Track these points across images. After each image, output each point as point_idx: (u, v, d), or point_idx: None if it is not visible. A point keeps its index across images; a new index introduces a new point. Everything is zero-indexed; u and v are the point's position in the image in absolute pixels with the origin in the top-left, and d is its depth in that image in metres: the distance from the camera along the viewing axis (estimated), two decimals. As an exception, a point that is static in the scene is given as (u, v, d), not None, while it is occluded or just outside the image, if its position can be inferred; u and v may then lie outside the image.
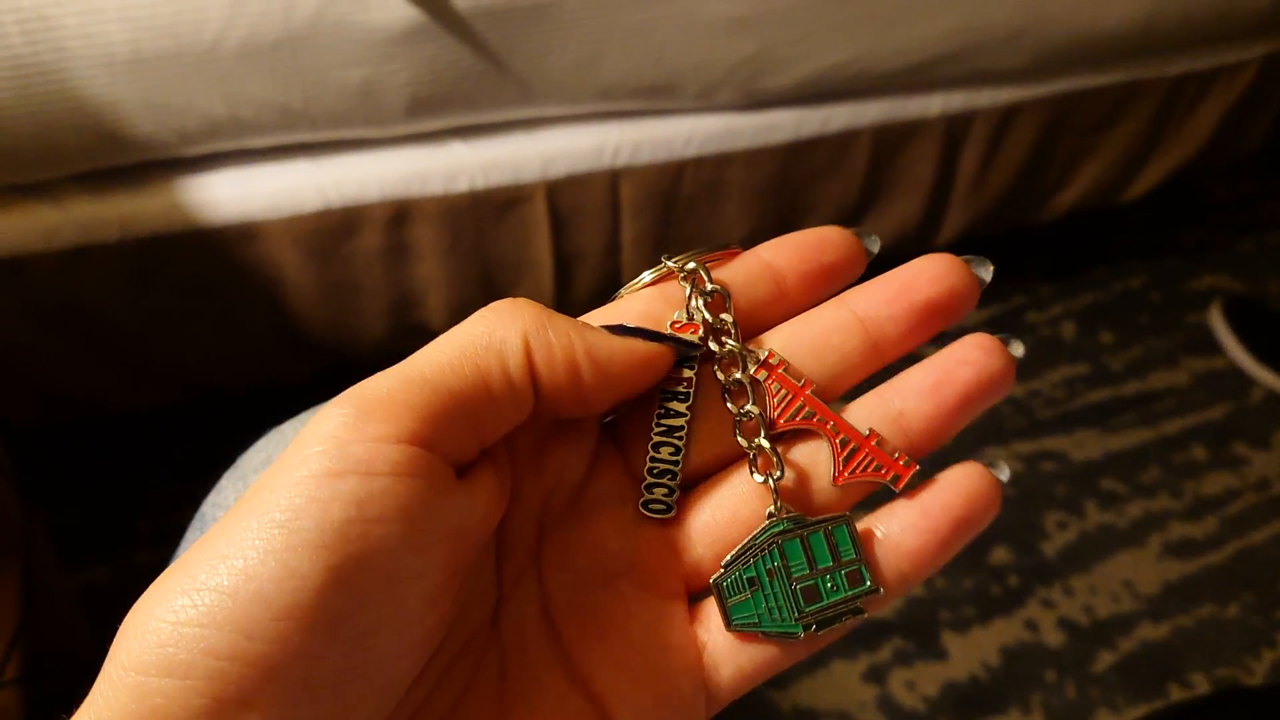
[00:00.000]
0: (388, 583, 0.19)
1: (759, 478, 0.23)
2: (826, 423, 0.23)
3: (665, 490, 0.24)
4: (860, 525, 0.24)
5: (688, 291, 0.24)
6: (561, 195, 0.90)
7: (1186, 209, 1.45)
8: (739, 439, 0.24)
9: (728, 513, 0.24)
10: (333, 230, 0.84)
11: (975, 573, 1.02)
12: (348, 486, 0.18)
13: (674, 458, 0.24)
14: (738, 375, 0.24)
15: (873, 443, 0.23)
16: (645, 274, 0.24)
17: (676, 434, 0.24)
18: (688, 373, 0.24)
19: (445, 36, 0.76)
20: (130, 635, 0.18)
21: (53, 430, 0.96)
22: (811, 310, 0.24)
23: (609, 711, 0.22)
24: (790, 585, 0.23)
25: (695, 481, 0.24)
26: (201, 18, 0.70)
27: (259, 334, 0.89)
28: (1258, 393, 1.21)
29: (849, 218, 1.05)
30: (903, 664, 0.95)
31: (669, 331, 0.23)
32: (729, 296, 0.24)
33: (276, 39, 0.72)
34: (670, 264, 0.24)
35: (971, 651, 0.96)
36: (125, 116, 0.73)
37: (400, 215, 0.85)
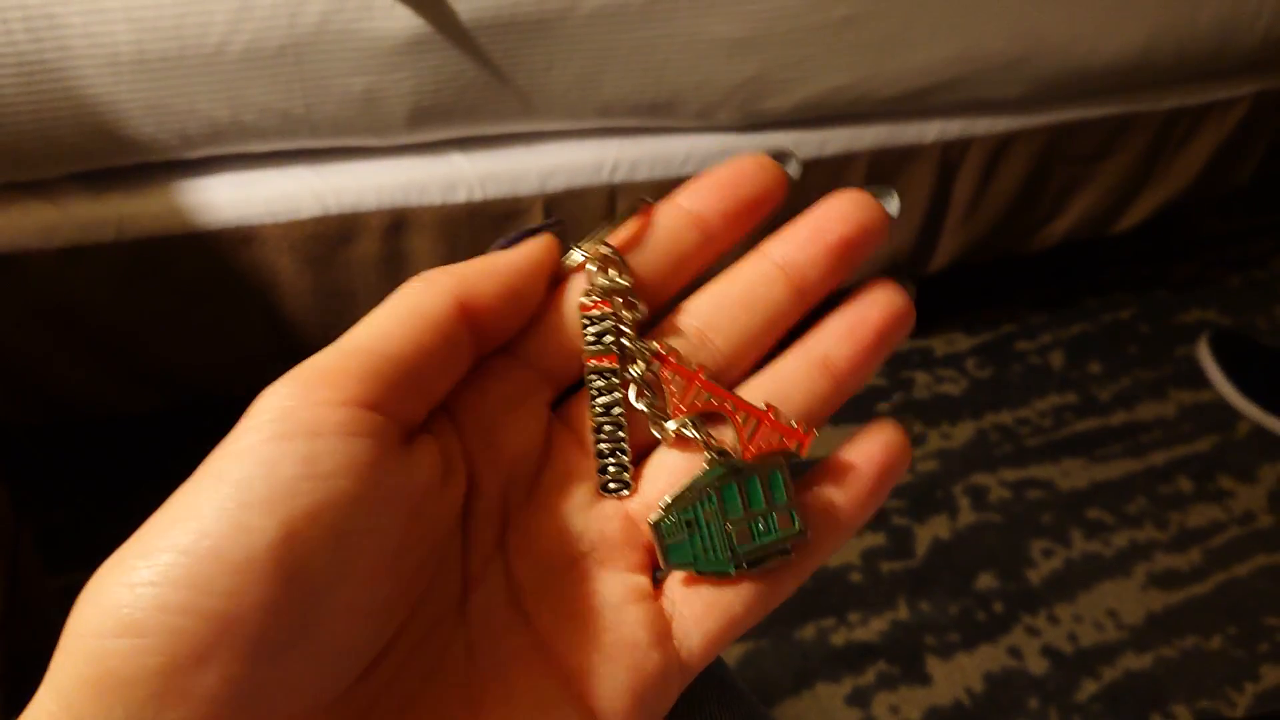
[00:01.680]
0: (338, 538, 0.19)
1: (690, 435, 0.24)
2: (725, 403, 0.24)
3: (618, 467, 0.24)
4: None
5: (596, 277, 0.24)
6: (559, 209, 0.90)
7: (1176, 242, 1.46)
8: (657, 431, 0.24)
9: (681, 480, 0.24)
10: (330, 237, 0.84)
11: (961, 599, 1.02)
12: (296, 447, 0.19)
13: (618, 434, 0.24)
14: (636, 370, 0.24)
15: (771, 415, 0.24)
16: (574, 253, 0.25)
17: (614, 411, 0.24)
18: (604, 349, 0.24)
19: (449, 48, 0.76)
20: (85, 604, 0.18)
21: (42, 431, 0.96)
22: (734, 266, 0.25)
23: (585, 690, 0.22)
24: (724, 526, 0.23)
25: (648, 451, 0.25)
26: (207, 21, 0.70)
27: (253, 339, 0.89)
28: (1244, 426, 1.22)
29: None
30: (887, 688, 0.95)
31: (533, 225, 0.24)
32: (629, 293, 0.24)
33: (281, 44, 0.72)
34: (579, 253, 0.24)
35: (956, 677, 0.96)
36: (127, 117, 0.73)
37: (397, 224, 0.85)
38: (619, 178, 0.90)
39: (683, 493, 0.23)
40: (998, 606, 1.02)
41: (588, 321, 0.24)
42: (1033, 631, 1.00)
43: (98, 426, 0.99)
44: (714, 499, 0.23)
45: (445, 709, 0.22)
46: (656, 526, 0.23)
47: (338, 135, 0.81)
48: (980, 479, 1.13)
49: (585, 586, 0.23)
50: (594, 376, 0.24)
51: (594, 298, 0.24)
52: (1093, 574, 1.06)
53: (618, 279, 0.24)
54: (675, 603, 0.24)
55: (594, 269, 0.24)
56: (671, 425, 0.24)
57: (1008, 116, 1.02)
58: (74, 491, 1.00)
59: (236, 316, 0.87)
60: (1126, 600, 1.03)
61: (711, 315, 0.25)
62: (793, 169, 0.25)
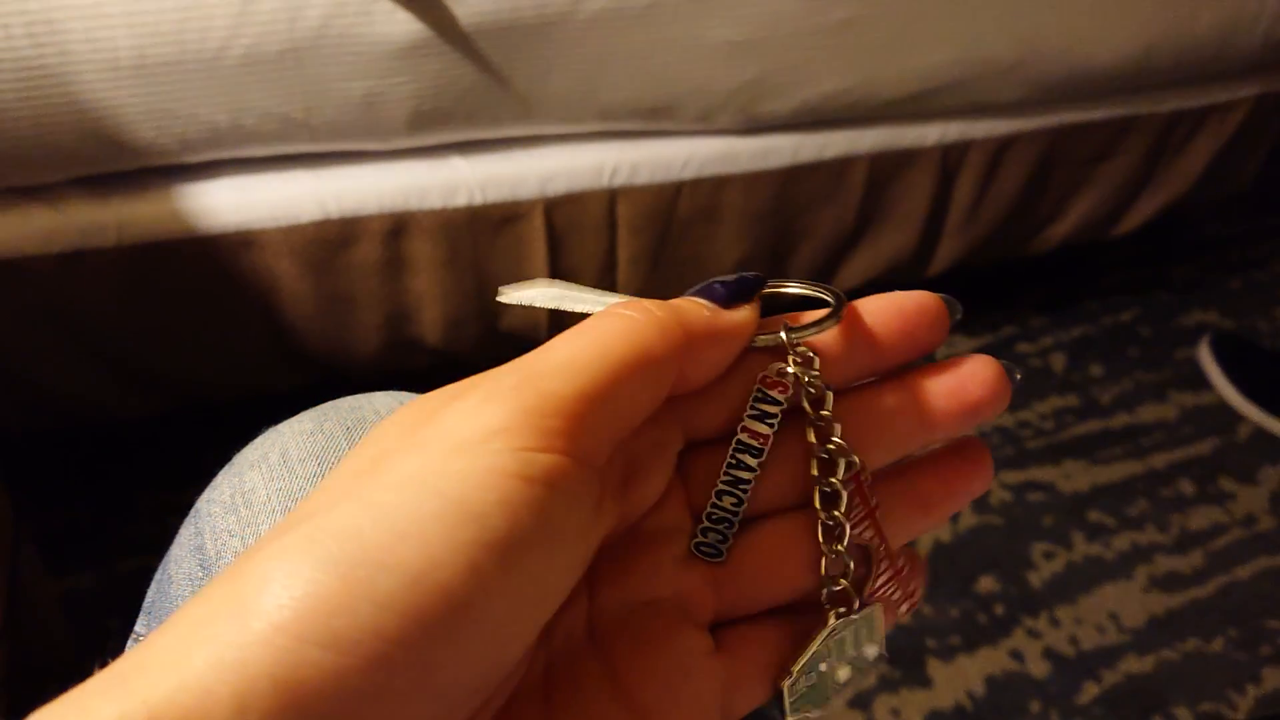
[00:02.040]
0: (541, 598, 0.18)
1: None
2: (880, 544, 0.25)
3: (719, 537, 0.25)
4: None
5: (791, 369, 0.25)
6: (559, 213, 0.90)
7: (1177, 245, 1.46)
8: (838, 585, 0.25)
9: (775, 561, 0.25)
10: (330, 241, 0.84)
11: (962, 601, 1.02)
12: (538, 496, 0.18)
13: (735, 508, 0.24)
14: (834, 480, 0.25)
15: (903, 568, 0.25)
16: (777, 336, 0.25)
17: (742, 486, 0.24)
18: (765, 429, 0.24)
19: (449, 51, 0.76)
20: (284, 589, 0.16)
21: (42, 435, 0.96)
22: (884, 386, 0.26)
23: None
24: (826, 665, 0.24)
25: (747, 521, 0.25)
26: (207, 25, 0.70)
27: (253, 343, 0.89)
28: (1245, 429, 1.22)
29: (844, 244, 1.05)
30: (888, 691, 0.94)
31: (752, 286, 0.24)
32: (828, 395, 0.25)
33: (281, 49, 0.72)
34: (784, 335, 0.24)
35: (957, 680, 0.96)
36: (127, 122, 0.73)
37: (398, 228, 0.85)
38: (619, 181, 0.91)
39: (813, 654, 0.24)
40: (999, 609, 1.02)
41: (760, 395, 0.24)
42: (1034, 634, 1.00)
43: (98, 431, 0.99)
44: (831, 650, 0.24)
45: None
46: (786, 689, 0.24)
47: (338, 139, 0.81)
48: (981, 482, 1.13)
49: (660, 628, 0.24)
50: (740, 447, 0.24)
51: (780, 377, 0.24)
52: (1094, 576, 1.05)
53: (817, 381, 0.24)
54: (731, 660, 0.25)
55: (795, 365, 0.24)
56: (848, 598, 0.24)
57: (1008, 119, 1.03)
58: (74, 496, 1.00)
59: (236, 321, 0.87)
60: (1128, 603, 1.03)
61: (851, 426, 0.26)
62: (956, 313, 0.27)
